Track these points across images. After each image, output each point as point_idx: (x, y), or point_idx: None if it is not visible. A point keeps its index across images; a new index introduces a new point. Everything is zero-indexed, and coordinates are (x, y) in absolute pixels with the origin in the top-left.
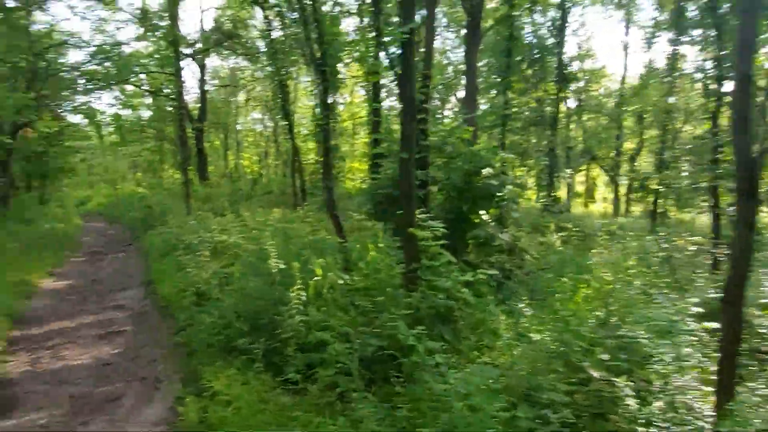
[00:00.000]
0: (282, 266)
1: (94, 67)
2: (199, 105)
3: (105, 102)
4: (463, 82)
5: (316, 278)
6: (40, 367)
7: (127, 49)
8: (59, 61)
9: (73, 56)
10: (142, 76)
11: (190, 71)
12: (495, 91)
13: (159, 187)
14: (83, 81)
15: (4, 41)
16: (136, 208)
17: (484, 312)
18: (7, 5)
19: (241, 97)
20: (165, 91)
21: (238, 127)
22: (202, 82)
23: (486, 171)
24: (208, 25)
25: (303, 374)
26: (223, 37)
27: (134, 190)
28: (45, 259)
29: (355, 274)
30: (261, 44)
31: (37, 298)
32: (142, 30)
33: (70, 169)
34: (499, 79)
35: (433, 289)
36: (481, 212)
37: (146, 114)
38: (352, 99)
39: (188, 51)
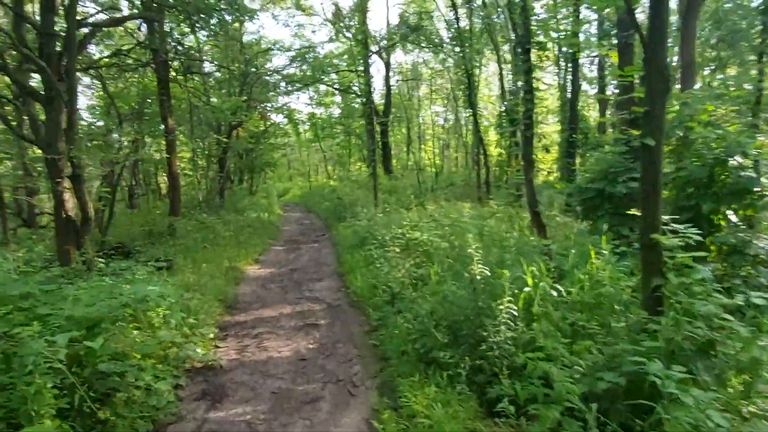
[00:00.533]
0: (486, 272)
1: (293, 70)
2: (383, 100)
3: (302, 101)
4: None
5: (526, 288)
6: (246, 357)
7: (320, 52)
8: (265, 66)
9: (276, 61)
10: (334, 75)
11: (375, 68)
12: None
13: (347, 179)
14: (284, 83)
15: (224, 51)
16: (328, 199)
17: (761, 349)
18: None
19: (423, 90)
20: (353, 88)
21: (420, 120)
22: (387, 77)
23: (736, 160)
24: (394, 20)
25: (516, 404)
26: (408, 31)
27: (325, 182)
28: (251, 246)
29: (567, 284)
30: (445, 35)
31: (244, 284)
32: (333, 32)
33: (273, 164)
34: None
35: (687, 314)
36: (727, 212)
37: (336, 111)
38: (537, 83)
39: (375, 48)
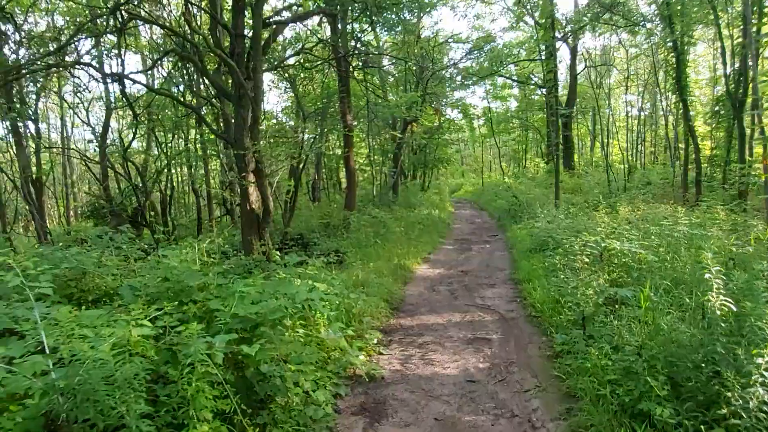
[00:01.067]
0: (729, 305)
1: (469, 63)
2: (565, 91)
3: (477, 96)
4: None
5: None
6: (409, 370)
7: (499, 42)
8: (441, 60)
9: (452, 55)
10: (512, 67)
11: (558, 56)
12: None
13: (523, 176)
14: (459, 77)
15: (402, 47)
16: (502, 197)
17: None
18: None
19: (614, 78)
20: (533, 79)
21: (607, 111)
22: (573, 65)
23: None
24: (583, 1)
25: None
26: (602, 10)
27: (499, 179)
28: (421, 244)
29: None
30: (647, 10)
31: (412, 284)
32: (515, 19)
33: (446, 160)
34: None
35: None
36: None
37: (513, 105)
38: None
39: (559, 34)
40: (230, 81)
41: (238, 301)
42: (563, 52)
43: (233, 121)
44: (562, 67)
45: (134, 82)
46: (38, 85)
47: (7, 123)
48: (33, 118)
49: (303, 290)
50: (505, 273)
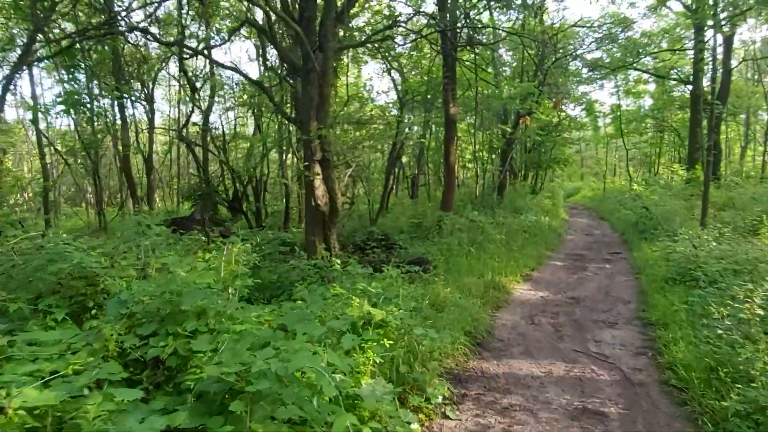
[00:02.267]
0: None
1: (599, 54)
2: (712, 87)
3: (606, 91)
4: None
5: None
6: None
7: (636, 30)
8: (566, 48)
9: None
10: (648, 60)
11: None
12: None
13: (655, 184)
14: (586, 69)
15: (519, 29)
16: (628, 207)
17: None
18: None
19: None
20: (672, 74)
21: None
22: (727, 58)
23: None
24: None
25: None
26: None
27: (624, 185)
28: (524, 257)
29: None
30: None
31: (505, 311)
32: (655, 5)
33: (564, 160)
34: None
35: None
36: None
37: (647, 103)
38: None
39: (710, 22)
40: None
41: (233, 344)
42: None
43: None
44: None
45: (194, 52)
46: (146, 66)
47: (115, 102)
48: (139, 97)
49: (304, 355)
50: (630, 308)
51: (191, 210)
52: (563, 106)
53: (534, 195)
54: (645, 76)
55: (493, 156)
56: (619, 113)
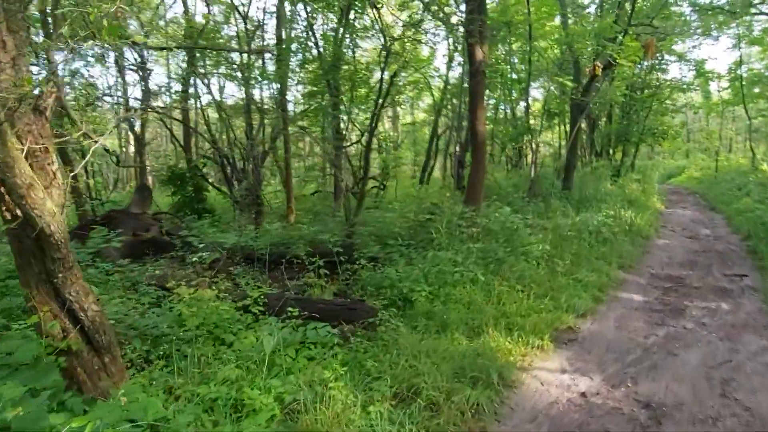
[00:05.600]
0: None
1: None
2: None
3: (722, 46)
4: None
5: None
6: None
7: None
8: None
9: None
10: None
11: None
12: None
13: None
14: (696, 17)
15: None
16: (752, 195)
17: None
18: None
19: None
20: None
21: None
22: None
23: None
24: None
25: None
26: None
27: (745, 164)
28: (572, 288)
29: None
30: None
31: (516, 399)
32: None
33: (662, 133)
34: None
35: None
36: None
37: None
38: None
39: None
40: None
41: None
42: None
43: None
44: None
45: None
46: None
47: None
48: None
49: None
50: None
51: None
52: (659, 53)
53: (617, 179)
54: None
55: (563, 125)
56: (738, 71)
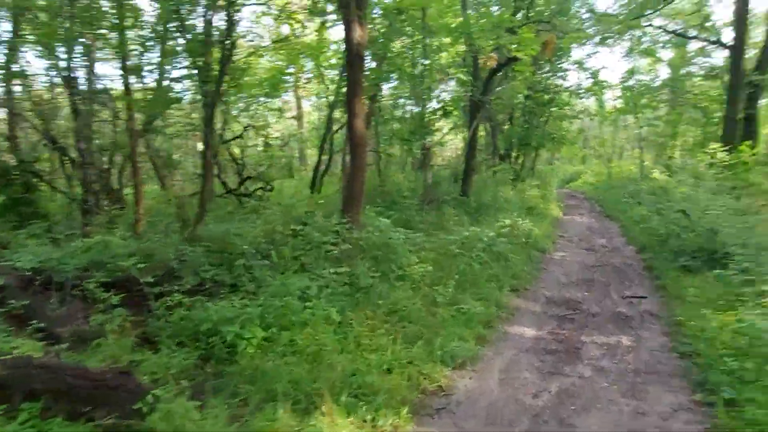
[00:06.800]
0: None
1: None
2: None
3: (616, 57)
4: None
5: None
6: None
7: None
8: None
9: None
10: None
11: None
12: None
13: (682, 171)
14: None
15: None
16: (644, 203)
17: None
18: None
19: None
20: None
21: None
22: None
23: None
24: None
25: None
26: None
27: (634, 171)
28: (453, 325)
29: None
30: None
31: None
32: None
33: (560, 138)
34: None
35: None
36: None
37: (664, 72)
38: None
39: None
40: None
41: None
42: None
43: None
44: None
45: None
46: None
47: None
48: None
49: None
50: None
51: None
52: (557, 44)
53: (518, 183)
54: (662, 39)
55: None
56: (629, 82)
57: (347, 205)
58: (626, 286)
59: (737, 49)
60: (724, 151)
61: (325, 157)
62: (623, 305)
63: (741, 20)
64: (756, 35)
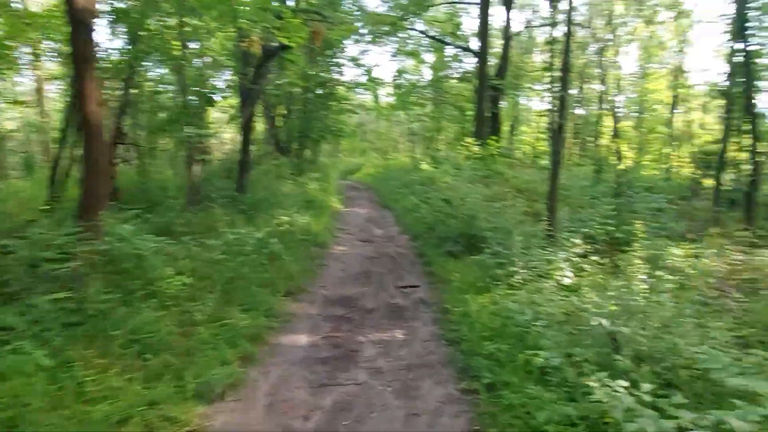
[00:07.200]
0: None
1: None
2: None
3: (388, 52)
4: None
5: None
6: None
7: None
8: None
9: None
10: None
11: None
12: None
13: (446, 162)
14: (362, 25)
15: None
16: (417, 193)
17: None
18: None
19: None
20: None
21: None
22: (507, 26)
23: None
24: None
25: None
26: None
27: (409, 162)
28: (225, 333)
29: None
30: None
31: None
32: None
33: (339, 132)
34: None
35: None
36: None
37: (429, 73)
38: None
39: None
40: None
41: None
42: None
43: None
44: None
45: None
46: None
47: None
48: None
49: None
50: None
51: None
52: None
53: (298, 176)
54: (426, 41)
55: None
56: (399, 79)
57: (84, 210)
58: (401, 276)
59: (482, 57)
60: (476, 144)
61: (67, 152)
62: (398, 296)
63: (484, 32)
64: (498, 45)
